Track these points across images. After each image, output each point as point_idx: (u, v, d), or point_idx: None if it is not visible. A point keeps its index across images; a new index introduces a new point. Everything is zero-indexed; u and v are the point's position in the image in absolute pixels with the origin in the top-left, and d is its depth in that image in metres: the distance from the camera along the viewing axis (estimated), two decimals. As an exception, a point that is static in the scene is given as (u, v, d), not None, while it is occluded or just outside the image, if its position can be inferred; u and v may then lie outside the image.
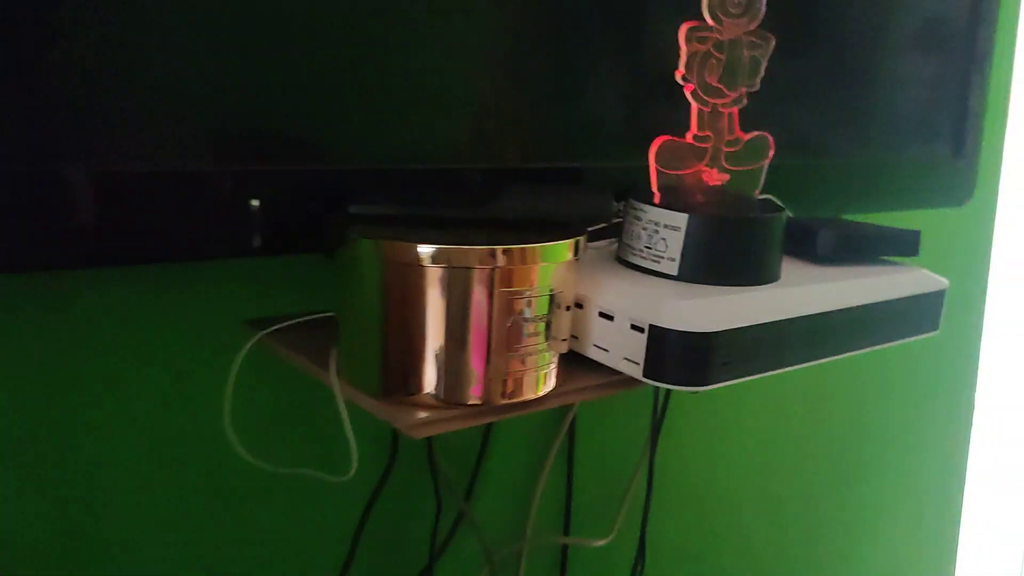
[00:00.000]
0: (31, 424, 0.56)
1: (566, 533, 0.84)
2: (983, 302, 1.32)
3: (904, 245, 0.66)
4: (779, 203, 0.60)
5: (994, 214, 1.29)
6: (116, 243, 0.50)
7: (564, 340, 0.53)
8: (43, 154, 0.46)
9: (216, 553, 0.64)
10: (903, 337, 0.63)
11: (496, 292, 0.48)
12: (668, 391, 0.87)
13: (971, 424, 1.36)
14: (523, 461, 0.80)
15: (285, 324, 0.60)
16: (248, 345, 0.57)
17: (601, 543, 0.85)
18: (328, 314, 0.62)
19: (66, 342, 0.56)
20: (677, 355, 0.51)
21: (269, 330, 0.58)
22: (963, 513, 1.38)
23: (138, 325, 0.58)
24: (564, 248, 0.49)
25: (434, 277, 0.47)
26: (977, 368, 1.34)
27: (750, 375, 0.53)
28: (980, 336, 1.33)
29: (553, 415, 0.81)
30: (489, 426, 0.77)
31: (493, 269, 0.47)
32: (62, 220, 0.47)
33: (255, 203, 0.54)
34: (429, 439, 0.73)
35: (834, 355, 0.58)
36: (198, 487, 0.63)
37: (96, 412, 0.58)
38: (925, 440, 1.27)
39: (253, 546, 0.66)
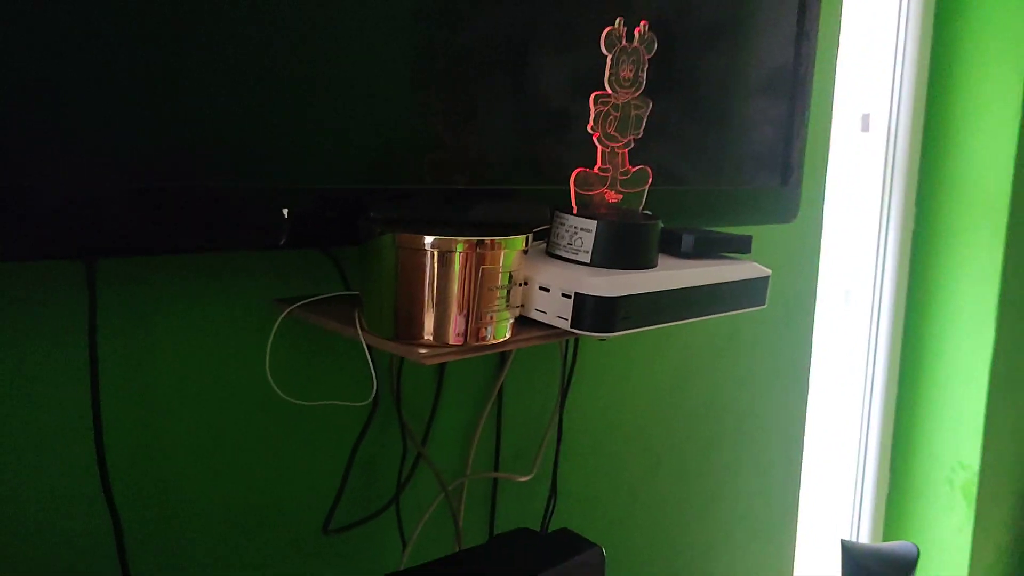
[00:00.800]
0: (118, 374, 0.76)
1: (496, 470, 1.08)
2: (814, 299, 1.64)
3: (741, 245, 0.94)
4: (656, 215, 0.87)
5: (821, 227, 1.61)
6: (195, 236, 0.71)
7: (517, 307, 0.78)
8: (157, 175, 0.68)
9: (247, 475, 0.85)
10: (740, 308, 0.91)
11: (474, 268, 0.72)
12: (574, 360, 1.13)
13: (807, 400, 1.67)
14: (466, 413, 1.04)
15: (309, 300, 0.82)
16: (286, 312, 0.80)
17: (524, 479, 1.10)
18: (337, 294, 0.86)
19: (139, 314, 0.76)
20: (592, 312, 0.76)
21: (300, 303, 0.81)
22: (802, 471, 1.69)
23: (196, 302, 0.80)
24: (520, 241, 0.74)
25: (433, 258, 0.71)
26: (811, 352, 1.65)
27: (640, 327, 0.79)
28: (812, 327, 1.65)
29: (489, 378, 1.05)
30: (440, 385, 1.01)
31: (473, 253, 0.72)
32: (164, 220, 0.68)
33: (286, 211, 0.77)
34: (397, 397, 0.96)
35: (694, 318, 0.86)
36: (238, 424, 0.84)
37: (163, 368, 0.78)
38: (770, 413, 1.57)
39: (275, 470, 0.87)
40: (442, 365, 1.00)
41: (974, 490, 2.17)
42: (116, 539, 0.76)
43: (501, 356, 1.06)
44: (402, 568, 0.98)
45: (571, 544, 0.68)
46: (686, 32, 1.04)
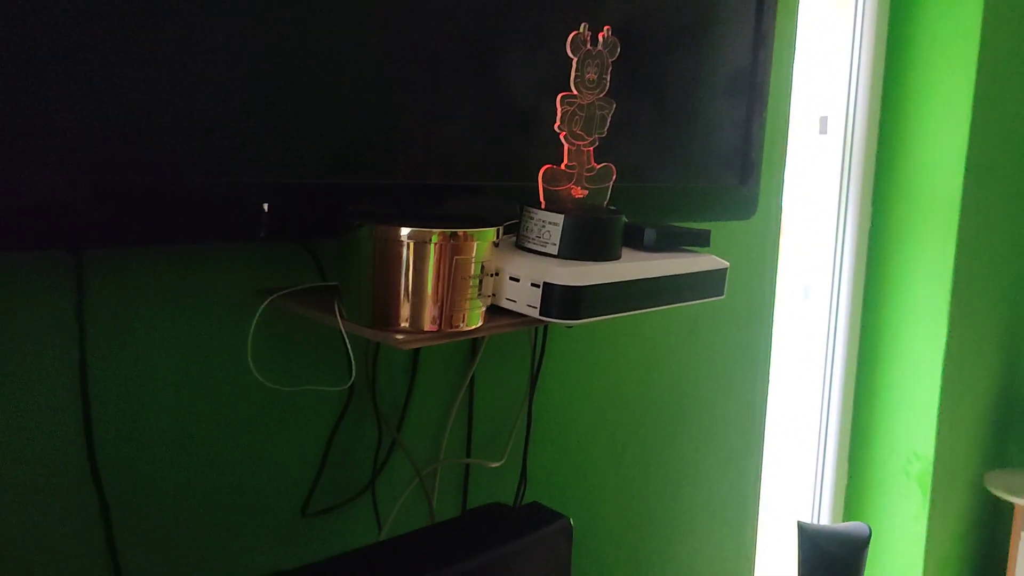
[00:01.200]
0: (105, 361, 0.79)
1: (468, 456, 1.12)
2: (773, 293, 1.70)
3: (700, 239, 0.99)
4: (619, 210, 0.92)
5: (780, 224, 1.68)
6: (179, 229, 0.75)
7: (489, 296, 0.82)
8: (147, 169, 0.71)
9: (229, 459, 0.89)
10: (700, 298, 0.96)
11: (448, 258, 0.76)
12: (543, 352, 1.17)
13: (767, 391, 1.73)
14: (439, 402, 1.08)
15: (289, 290, 0.86)
16: (267, 301, 0.83)
17: (495, 465, 1.14)
18: (315, 285, 0.89)
19: (125, 304, 0.80)
20: (560, 300, 0.81)
21: (280, 293, 0.85)
22: (763, 461, 1.75)
23: (180, 292, 0.83)
24: (491, 233, 0.78)
25: (409, 248, 0.75)
26: (771, 344, 1.71)
27: (605, 315, 0.84)
28: (772, 321, 1.71)
29: (461, 368, 1.09)
30: (413, 375, 1.05)
31: (447, 244, 0.76)
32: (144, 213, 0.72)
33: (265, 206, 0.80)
34: (372, 386, 1.00)
35: (656, 306, 0.90)
36: (221, 410, 0.87)
37: (148, 355, 0.82)
38: (731, 404, 1.63)
39: (256, 455, 0.91)
40: (415, 355, 1.04)
41: (929, 479, 2.25)
42: (104, 522, 0.79)
43: (472, 346, 1.10)
44: (378, 551, 1.01)
45: (541, 516, 0.72)
46: (648, 37, 1.09)
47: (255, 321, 0.84)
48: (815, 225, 2.20)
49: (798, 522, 1.17)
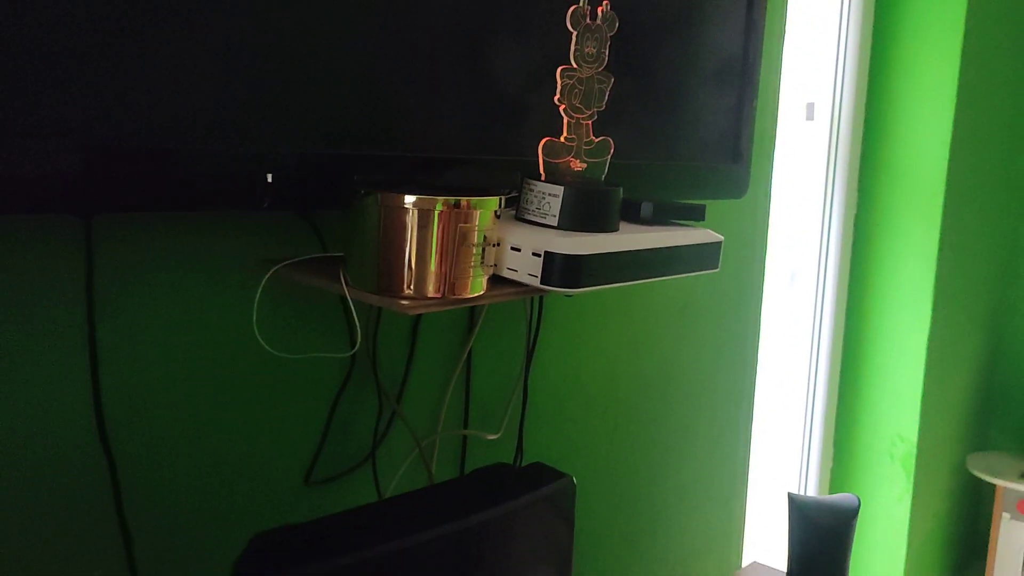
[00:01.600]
0: (114, 327, 0.80)
1: (466, 427, 1.14)
2: (763, 274, 1.72)
3: (696, 214, 1.01)
4: (617, 184, 0.94)
5: (769, 207, 1.70)
6: (186, 196, 0.76)
7: (491, 266, 0.84)
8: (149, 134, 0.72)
9: (234, 426, 0.90)
10: (695, 270, 0.98)
11: (452, 227, 0.78)
12: (538, 327, 1.19)
13: (755, 372, 1.76)
14: (437, 374, 1.09)
15: (294, 260, 0.87)
16: (273, 270, 0.85)
17: (492, 437, 1.16)
18: (318, 255, 0.91)
19: (133, 271, 0.81)
20: (561, 269, 0.83)
21: (285, 262, 0.86)
22: (751, 441, 1.78)
23: (186, 261, 0.84)
24: (493, 202, 0.80)
25: (414, 216, 0.77)
26: (760, 325, 1.74)
27: (603, 284, 0.86)
28: (761, 301, 1.73)
29: (458, 341, 1.11)
30: (412, 348, 1.06)
31: (451, 212, 0.77)
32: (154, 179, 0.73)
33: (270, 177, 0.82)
34: (373, 358, 1.01)
35: (652, 277, 0.92)
36: (226, 377, 0.88)
37: (156, 321, 0.83)
38: (720, 384, 1.66)
39: (260, 422, 0.92)
40: (414, 329, 1.06)
41: (913, 461, 2.28)
42: (112, 486, 0.80)
43: (470, 321, 1.12)
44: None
45: (544, 475, 0.74)
46: (646, 19, 1.11)
47: (260, 289, 0.85)
48: (802, 211, 2.22)
49: (788, 494, 1.20)
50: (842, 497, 1.20)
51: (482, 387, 1.15)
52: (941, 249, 2.22)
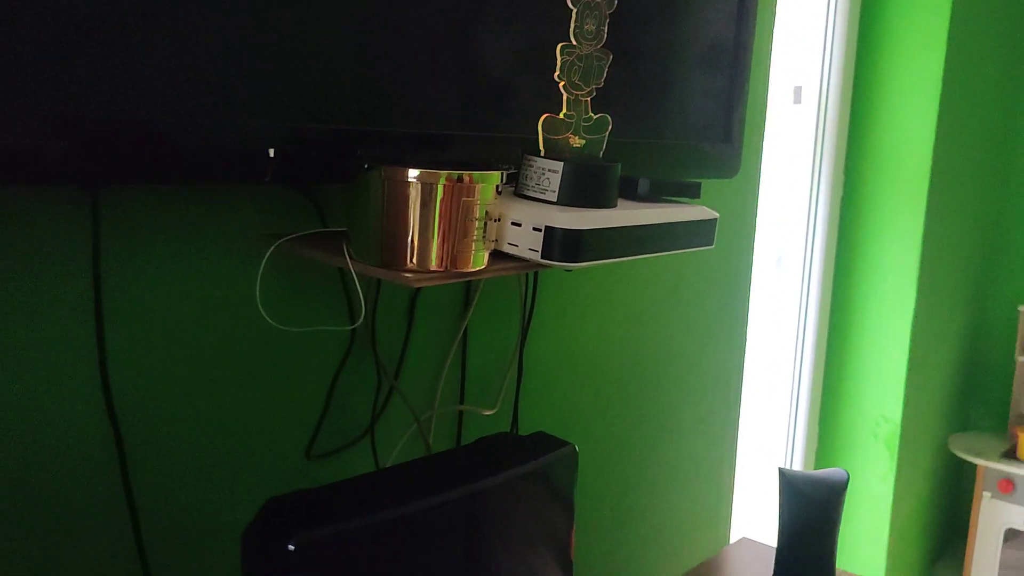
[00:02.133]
0: (119, 300, 0.81)
1: (462, 403, 1.15)
2: (752, 254, 1.74)
3: (691, 191, 1.03)
4: (615, 161, 0.95)
5: (758, 189, 1.72)
6: (189, 168, 0.77)
7: (492, 241, 0.85)
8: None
9: (237, 399, 0.91)
10: (691, 246, 0.99)
11: (455, 201, 0.79)
12: (533, 305, 1.20)
13: (744, 351, 1.78)
14: (435, 350, 1.11)
15: (296, 235, 0.88)
16: (276, 244, 0.85)
17: (489, 413, 1.17)
18: (319, 230, 0.91)
19: (138, 244, 0.81)
20: (561, 244, 0.84)
21: (288, 237, 0.87)
22: (739, 419, 1.81)
23: (190, 235, 0.85)
24: (496, 176, 0.81)
25: (417, 190, 0.78)
26: (748, 305, 1.76)
27: (602, 259, 0.87)
28: (750, 282, 1.75)
29: (455, 319, 1.12)
30: (410, 325, 1.07)
31: (453, 186, 0.78)
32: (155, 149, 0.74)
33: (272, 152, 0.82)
34: (372, 334, 1.02)
35: (650, 253, 0.94)
36: (229, 350, 0.89)
37: (160, 295, 0.83)
38: (710, 362, 1.68)
39: (262, 396, 0.93)
40: (412, 306, 1.06)
41: (896, 441, 2.32)
42: (119, 458, 0.81)
43: (466, 298, 1.13)
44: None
45: (547, 443, 0.76)
46: (642, 5, 1.12)
47: (263, 263, 0.86)
48: (789, 194, 2.24)
49: (779, 468, 1.22)
50: (831, 471, 1.22)
51: (478, 363, 1.16)
52: (926, 232, 2.25)
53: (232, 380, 0.90)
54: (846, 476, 1.20)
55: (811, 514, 1.20)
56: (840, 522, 1.22)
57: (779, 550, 1.24)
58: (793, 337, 2.29)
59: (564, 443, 0.75)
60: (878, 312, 2.31)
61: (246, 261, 0.89)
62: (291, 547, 0.55)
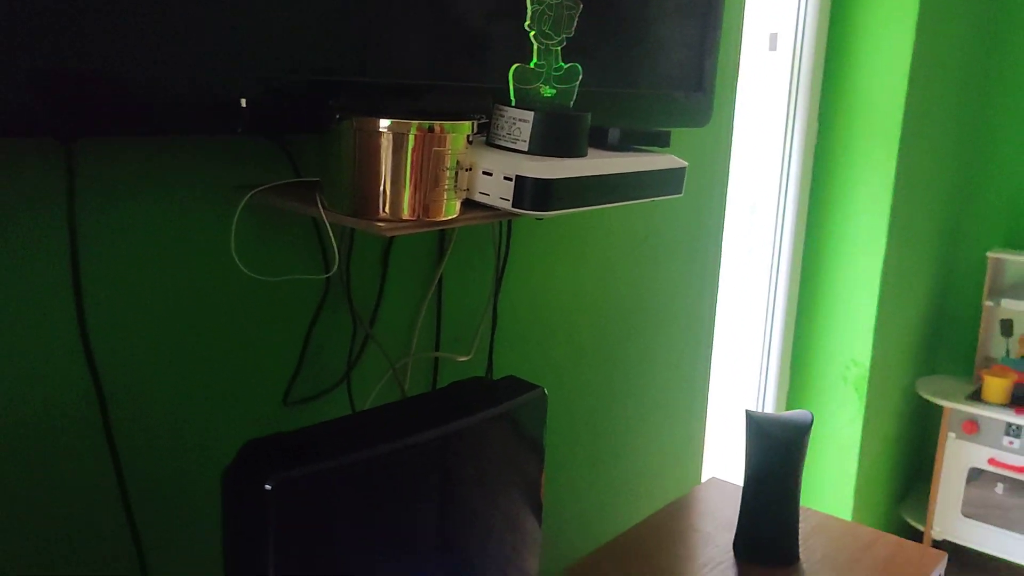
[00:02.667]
0: (95, 251, 0.82)
1: (437, 350, 1.17)
2: (724, 202, 1.76)
3: (661, 140, 1.04)
4: (585, 110, 0.96)
5: (731, 136, 1.73)
6: (164, 120, 0.77)
7: (464, 190, 0.86)
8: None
9: (214, 347, 0.92)
10: (661, 194, 1.01)
11: (426, 150, 0.80)
12: (507, 253, 1.22)
13: (716, 298, 1.81)
14: (409, 299, 1.12)
15: (270, 185, 0.89)
16: (250, 194, 0.86)
17: (463, 359, 1.20)
18: (292, 180, 0.92)
19: (113, 195, 0.82)
20: (532, 192, 0.85)
21: (262, 187, 0.87)
22: (711, 365, 1.85)
23: (165, 186, 0.85)
24: (466, 126, 0.82)
25: (388, 140, 0.79)
26: (721, 253, 1.79)
27: (573, 207, 0.89)
28: (722, 230, 1.78)
29: (429, 267, 1.14)
30: (385, 273, 1.09)
31: (424, 136, 0.79)
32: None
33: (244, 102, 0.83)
34: (347, 283, 1.03)
35: (620, 201, 0.95)
36: (205, 299, 0.90)
37: (135, 246, 0.84)
38: (682, 310, 1.71)
39: (239, 344, 0.94)
40: (386, 255, 1.08)
41: (865, 385, 2.38)
42: (100, 404, 0.83)
43: (440, 247, 1.14)
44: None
45: (517, 386, 0.78)
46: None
47: (238, 212, 0.87)
48: (763, 143, 2.26)
49: (746, 411, 1.25)
50: (796, 413, 1.26)
51: (452, 312, 1.18)
52: (897, 179, 2.28)
53: (209, 329, 0.92)
54: (810, 417, 1.24)
55: (776, 454, 1.24)
56: (804, 461, 1.26)
57: (745, 488, 1.28)
58: (766, 283, 2.32)
59: (534, 386, 0.77)
60: (849, 258, 2.35)
61: (221, 212, 0.89)
62: (268, 487, 0.57)
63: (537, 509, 0.84)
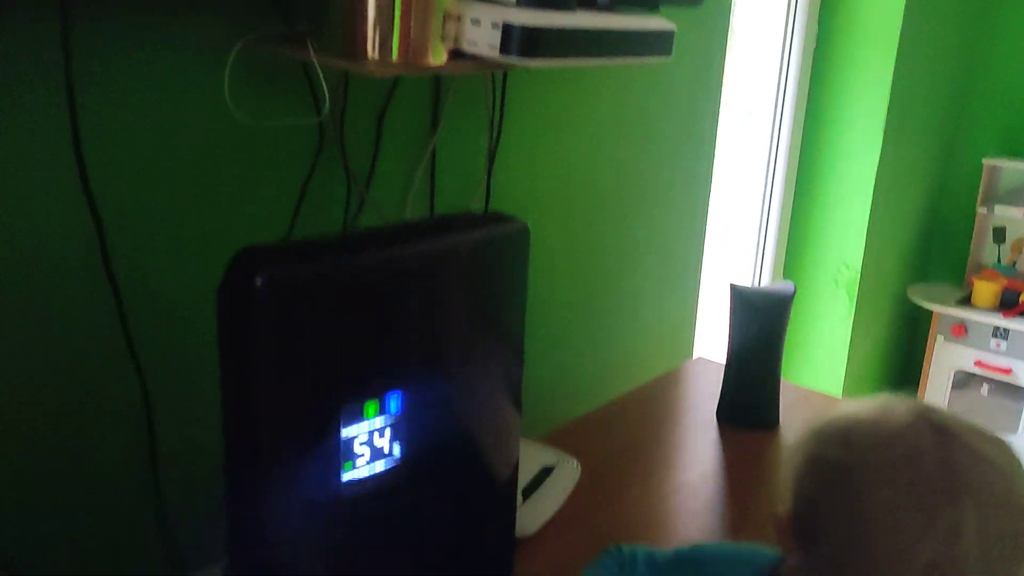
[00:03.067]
0: (93, 105, 0.84)
1: (432, 212, 1.20)
2: (719, 92, 1.77)
3: (650, 2, 1.05)
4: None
5: (729, 11, 1.73)
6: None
7: (452, 39, 0.88)
8: None
9: (210, 198, 0.95)
10: (649, 54, 1.03)
11: (415, -6, 0.82)
12: (501, 126, 1.24)
13: (710, 189, 1.83)
14: (404, 160, 1.15)
15: (263, 33, 0.90)
16: (244, 40, 0.88)
17: (456, 228, 1.23)
18: (284, 31, 0.94)
19: (109, 48, 0.84)
20: (519, 40, 0.87)
21: (254, 36, 0.89)
22: (703, 258, 1.88)
23: (159, 38, 0.87)
24: (454, -30, 0.84)
25: (379, -16, 0.80)
26: (715, 145, 1.80)
27: (561, 57, 0.91)
28: (717, 122, 1.79)
29: (423, 134, 1.16)
30: (379, 137, 1.11)
31: (414, -21, 0.81)
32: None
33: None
34: (340, 131, 1.05)
35: (607, 57, 0.97)
36: (201, 149, 0.93)
37: (132, 97, 0.86)
38: (675, 199, 1.73)
39: (234, 196, 0.97)
40: (380, 117, 1.10)
41: (856, 288, 2.41)
42: (100, 247, 0.86)
43: (433, 116, 1.16)
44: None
45: (501, 219, 0.81)
46: None
47: (231, 58, 0.89)
48: (761, 46, 2.25)
49: (731, 284, 1.29)
50: (780, 284, 1.29)
51: (446, 185, 1.21)
52: (894, 83, 2.28)
53: (206, 182, 0.94)
54: (793, 288, 1.28)
55: (759, 325, 1.28)
56: (786, 333, 1.30)
57: (729, 358, 1.32)
58: (761, 184, 2.34)
59: (517, 220, 0.80)
60: (844, 162, 2.36)
61: (216, 59, 0.91)
62: (259, 282, 0.60)
63: (519, 349, 0.87)
